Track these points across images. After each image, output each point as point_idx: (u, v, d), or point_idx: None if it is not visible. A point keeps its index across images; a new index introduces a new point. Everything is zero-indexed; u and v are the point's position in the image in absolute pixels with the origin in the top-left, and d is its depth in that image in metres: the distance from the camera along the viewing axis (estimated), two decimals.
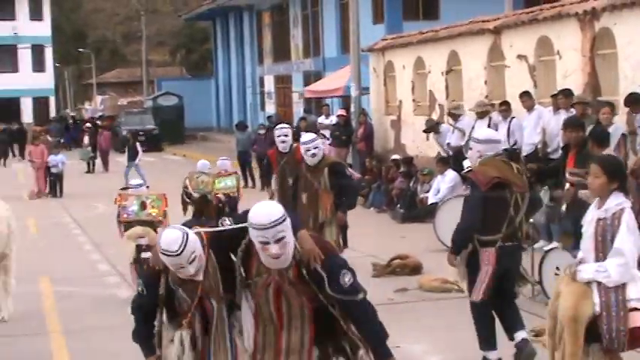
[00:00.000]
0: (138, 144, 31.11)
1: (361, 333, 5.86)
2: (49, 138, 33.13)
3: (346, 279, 5.76)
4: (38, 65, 64.88)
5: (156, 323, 6.28)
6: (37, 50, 64.71)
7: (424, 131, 22.42)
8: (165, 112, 54.50)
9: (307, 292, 5.80)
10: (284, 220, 5.71)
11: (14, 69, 64.00)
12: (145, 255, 12.17)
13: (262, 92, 51.72)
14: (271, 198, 13.80)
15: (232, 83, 57.67)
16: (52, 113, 64.99)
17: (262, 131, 29.26)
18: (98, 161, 37.31)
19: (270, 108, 48.91)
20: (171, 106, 55.37)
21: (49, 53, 66.39)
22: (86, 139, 37.76)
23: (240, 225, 5.86)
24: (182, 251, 5.83)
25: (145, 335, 6.37)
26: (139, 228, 12.74)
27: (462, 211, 8.87)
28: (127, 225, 12.92)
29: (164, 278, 6.08)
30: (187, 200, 16.71)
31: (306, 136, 12.04)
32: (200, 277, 5.95)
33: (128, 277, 13.96)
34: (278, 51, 49.28)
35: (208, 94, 61.88)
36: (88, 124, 42.66)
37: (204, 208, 16.88)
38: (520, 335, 8.87)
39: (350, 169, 15.94)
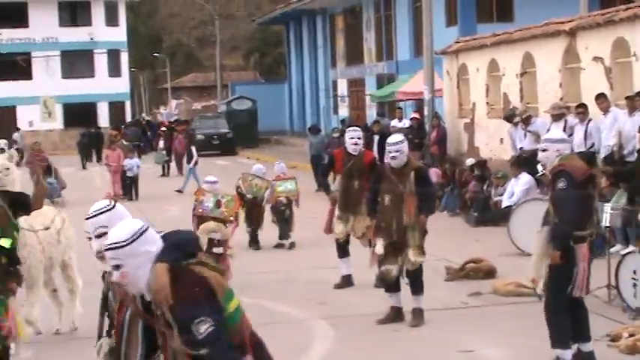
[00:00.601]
0: (193, 148, 31.58)
1: None
2: (125, 142, 33.46)
3: (200, 329, 4.91)
4: (114, 70, 65.67)
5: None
6: (113, 55, 65.49)
7: (505, 118, 22.15)
8: (239, 116, 54.81)
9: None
10: (107, 211, 5.42)
11: (91, 74, 64.83)
12: (216, 250, 13.05)
13: (335, 95, 51.73)
14: (333, 199, 13.80)
15: (305, 87, 57.80)
16: (128, 117, 65.74)
17: (336, 134, 29.27)
18: (172, 165, 37.63)
19: (344, 111, 48.88)
20: (244, 110, 55.65)
21: (124, 58, 67.16)
22: (161, 143, 38.15)
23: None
24: (93, 216, 5.59)
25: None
26: (212, 223, 13.48)
27: (556, 207, 8.73)
28: (201, 219, 13.64)
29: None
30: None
31: (392, 137, 11.96)
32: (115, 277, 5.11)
33: None
34: (351, 54, 49.31)
35: (282, 98, 62.09)
36: (163, 128, 43.07)
37: (254, 210, 17.56)
38: (587, 347, 8.86)
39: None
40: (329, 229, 13.75)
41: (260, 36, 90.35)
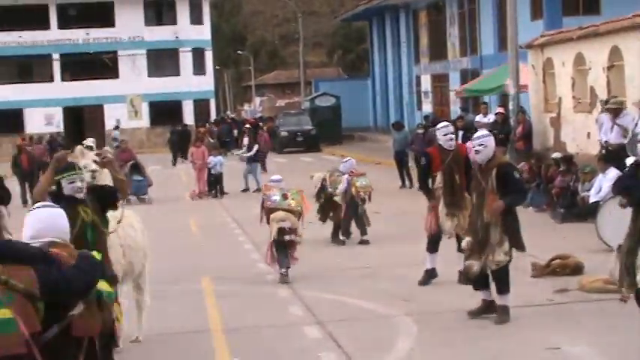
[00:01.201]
0: (256, 146, 31.84)
1: None
2: (211, 139, 33.73)
3: None
4: (199, 68, 66.24)
5: None
6: (198, 54, 66.07)
7: (601, 102, 21.81)
8: (323, 112, 54.92)
9: None
10: None
11: (176, 72, 65.47)
12: (287, 237, 14.21)
13: (419, 91, 51.60)
14: (433, 198, 13.70)
15: (389, 83, 57.68)
16: (213, 115, 66.28)
17: (421, 130, 29.15)
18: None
19: (427, 107, 48.75)
20: (328, 106, 55.75)
21: (209, 56, 67.71)
22: (246, 140, 38.33)
23: None
24: None
25: None
26: (281, 212, 14.45)
27: None
28: (270, 211, 14.56)
29: None
30: (320, 195, 18.38)
31: (478, 132, 11.89)
32: None
33: (299, 294, 14.23)
34: (434, 50, 49.09)
35: (365, 94, 62.06)
36: (248, 125, 43.32)
37: (332, 204, 18.17)
38: None
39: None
40: (435, 228, 13.62)
41: (343, 32, 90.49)
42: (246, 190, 29.98)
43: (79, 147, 8.54)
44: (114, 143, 51.78)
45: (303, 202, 14.85)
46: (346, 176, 18.14)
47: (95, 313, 5.37)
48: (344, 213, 18.11)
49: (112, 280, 7.38)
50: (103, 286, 5.49)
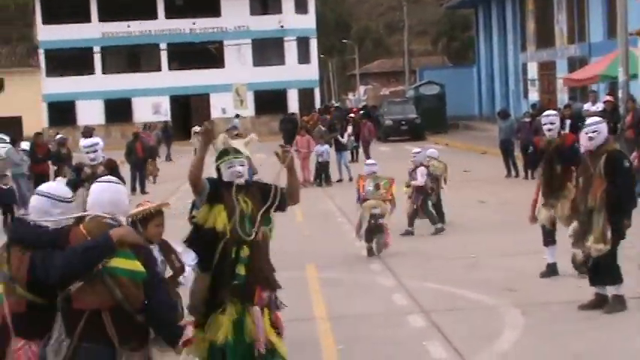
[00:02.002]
0: (345, 135, 31.90)
1: None
2: (322, 127, 33.79)
3: None
4: (304, 57, 66.46)
5: None
6: (303, 43, 66.28)
7: None
8: (427, 101, 54.59)
9: None
10: None
11: (281, 61, 65.82)
12: (381, 220, 15.67)
13: (525, 79, 50.96)
14: (537, 187, 13.54)
15: (494, 71, 57.13)
16: (317, 104, 66.49)
17: (527, 119, 28.77)
18: (361, 150, 37.83)
19: (534, 95, 48.10)
20: (433, 95, 55.39)
21: (314, 45, 67.88)
22: (349, 129, 38.39)
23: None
24: None
25: None
26: (372, 201, 15.83)
27: None
28: (364, 201, 15.94)
29: None
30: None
31: (591, 118, 11.78)
32: None
33: (390, 265, 14.35)
34: (541, 37, 48.41)
35: (470, 83, 61.58)
36: (352, 114, 43.32)
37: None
38: None
39: None
40: (533, 218, 13.45)
41: (448, 20, 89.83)
42: (340, 180, 29.96)
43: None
44: (234, 132, 52.16)
45: (390, 190, 16.00)
46: (422, 168, 18.06)
47: (99, 289, 5.74)
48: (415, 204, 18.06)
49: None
50: (119, 263, 5.74)
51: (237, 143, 7.92)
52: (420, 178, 17.90)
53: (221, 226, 7.40)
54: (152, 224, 7.57)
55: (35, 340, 6.14)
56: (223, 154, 7.70)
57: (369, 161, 17.40)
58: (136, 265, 5.76)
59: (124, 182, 14.27)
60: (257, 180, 8.31)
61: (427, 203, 18.17)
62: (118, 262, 5.73)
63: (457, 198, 23.03)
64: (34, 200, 6.33)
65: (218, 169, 7.69)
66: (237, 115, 56.58)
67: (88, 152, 13.70)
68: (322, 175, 29.61)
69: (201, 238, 7.45)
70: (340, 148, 31.23)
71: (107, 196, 6.04)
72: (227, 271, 7.40)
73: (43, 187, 6.41)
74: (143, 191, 29.24)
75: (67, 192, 6.40)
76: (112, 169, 13.63)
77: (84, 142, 14.41)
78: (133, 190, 29.25)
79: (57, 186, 6.53)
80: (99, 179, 6.34)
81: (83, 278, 5.70)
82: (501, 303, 11.92)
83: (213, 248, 7.40)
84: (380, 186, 15.95)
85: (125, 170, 28.90)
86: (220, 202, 7.47)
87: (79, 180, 13.55)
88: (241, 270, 7.45)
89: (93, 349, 5.76)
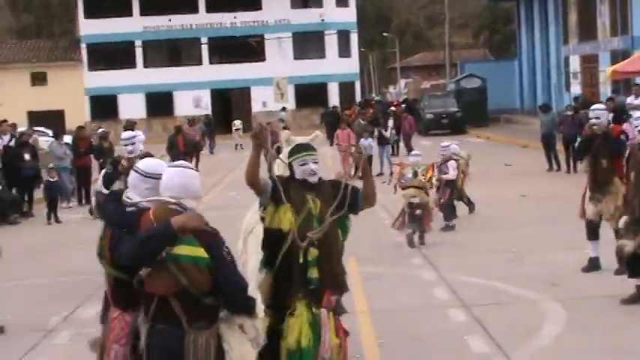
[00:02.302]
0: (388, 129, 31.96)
1: None
2: (362, 121, 33.78)
3: None
4: (344, 51, 66.43)
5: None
6: (343, 36, 66.24)
7: None
8: (468, 94, 54.35)
9: None
10: None
11: (321, 55, 65.83)
12: (417, 212, 15.90)
13: (567, 73, 50.62)
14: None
15: (536, 64, 56.79)
16: (358, 98, 66.43)
17: (569, 112, 28.58)
18: (401, 144, 37.76)
19: (576, 89, 47.78)
20: (474, 88, 55.13)
21: (354, 39, 67.83)
22: (390, 122, 38.33)
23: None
24: None
25: None
26: (411, 190, 16.07)
27: None
28: (403, 189, 16.23)
29: None
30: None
31: (638, 112, 11.70)
32: None
33: (431, 258, 14.35)
34: (584, 30, 48.05)
35: (512, 76, 61.26)
36: (393, 108, 43.22)
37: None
38: None
39: None
40: (582, 212, 13.35)
41: (490, 13, 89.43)
42: (380, 174, 29.89)
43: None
44: (281, 124, 52.34)
45: (429, 173, 16.30)
46: (452, 161, 17.99)
47: (165, 275, 5.80)
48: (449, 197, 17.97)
49: None
50: (182, 250, 5.76)
51: (301, 140, 7.79)
52: (452, 172, 17.81)
53: (287, 226, 7.18)
54: None
55: (129, 312, 6.40)
56: (296, 151, 7.44)
57: (414, 152, 17.89)
58: (199, 252, 5.77)
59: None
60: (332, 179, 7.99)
61: (452, 198, 18.06)
62: (181, 250, 5.75)
63: (498, 192, 22.97)
64: (130, 176, 6.61)
65: (290, 166, 7.40)
66: (284, 108, 56.68)
67: (125, 145, 13.75)
68: None
69: (267, 239, 7.21)
70: (383, 141, 31.18)
71: (177, 181, 6.02)
72: (296, 273, 7.16)
73: (139, 163, 6.62)
74: None
75: (156, 168, 6.48)
76: None
77: (122, 134, 14.49)
78: None
79: (149, 162, 6.64)
80: (170, 164, 6.35)
81: (150, 265, 5.78)
82: (543, 297, 11.87)
83: (278, 249, 7.19)
84: (418, 173, 16.22)
85: None
86: (287, 201, 7.23)
87: (116, 173, 13.61)
88: (314, 273, 7.20)
89: (164, 329, 5.86)
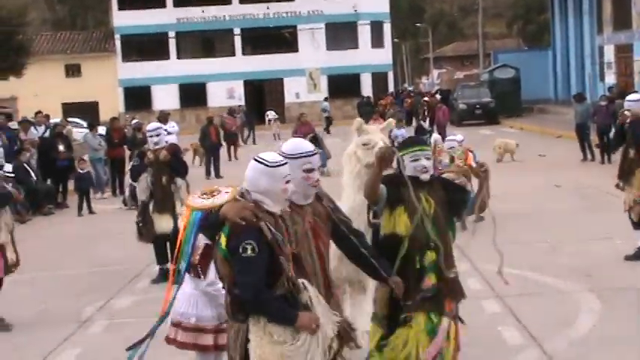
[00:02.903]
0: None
1: None
2: (392, 111, 33.81)
3: None
4: (377, 41, 66.29)
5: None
6: (376, 26, 66.10)
7: None
8: (502, 84, 54.10)
9: None
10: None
11: (354, 45, 65.72)
12: None
13: (602, 62, 50.25)
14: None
15: (570, 54, 56.41)
16: (390, 88, 66.29)
17: (604, 102, 28.37)
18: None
19: (610, 78, 47.44)
20: (507, 78, 54.86)
21: (387, 29, 67.67)
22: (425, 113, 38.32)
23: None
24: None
25: (277, 299, 5.71)
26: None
27: None
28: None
29: (266, 227, 5.68)
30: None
31: None
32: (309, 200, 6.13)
33: (464, 249, 14.28)
34: (618, 19, 47.68)
35: (545, 66, 60.89)
36: (426, 99, 43.15)
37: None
38: None
39: None
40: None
41: (524, 3, 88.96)
42: None
43: (358, 119, 7.66)
44: (323, 114, 52.37)
45: (466, 159, 16.53)
46: (470, 153, 17.97)
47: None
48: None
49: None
50: (221, 239, 5.77)
51: (373, 129, 7.62)
52: (472, 163, 17.79)
53: (402, 229, 6.69)
54: None
55: None
56: (408, 145, 6.93)
57: (451, 136, 18.26)
58: (223, 242, 5.76)
59: (186, 167, 14.39)
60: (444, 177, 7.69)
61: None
62: (221, 239, 5.76)
63: (532, 182, 22.86)
64: None
65: (398, 162, 6.79)
66: (326, 98, 56.70)
67: (151, 136, 13.79)
68: None
69: (383, 245, 6.72)
70: (421, 133, 31.05)
71: (247, 173, 5.89)
72: (412, 280, 6.66)
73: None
74: (218, 175, 29.45)
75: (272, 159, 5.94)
76: (173, 153, 13.73)
77: (147, 126, 14.56)
78: (208, 173, 29.51)
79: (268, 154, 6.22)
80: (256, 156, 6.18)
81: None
82: (577, 288, 11.80)
83: (395, 255, 6.62)
84: (455, 158, 16.51)
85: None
86: (401, 202, 6.72)
87: (143, 166, 13.65)
88: (432, 279, 6.74)
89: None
